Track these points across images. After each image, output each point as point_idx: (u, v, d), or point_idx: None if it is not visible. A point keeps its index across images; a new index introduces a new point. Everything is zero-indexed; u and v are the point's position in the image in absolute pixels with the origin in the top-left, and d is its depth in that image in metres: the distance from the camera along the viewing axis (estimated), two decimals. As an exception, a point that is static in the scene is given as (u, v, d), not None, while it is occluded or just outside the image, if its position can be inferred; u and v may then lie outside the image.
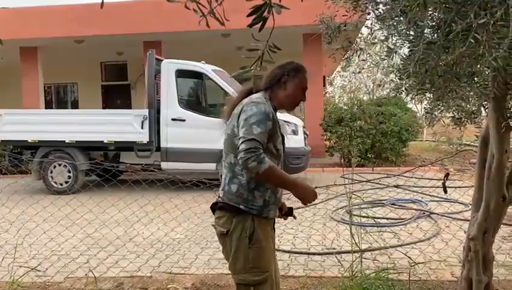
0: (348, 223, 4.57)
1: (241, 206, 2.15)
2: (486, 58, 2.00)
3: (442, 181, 3.19)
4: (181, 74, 8.38)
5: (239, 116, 2.15)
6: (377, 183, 7.45)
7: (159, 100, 8.33)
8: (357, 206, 5.87)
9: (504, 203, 2.51)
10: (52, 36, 11.89)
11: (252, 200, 2.16)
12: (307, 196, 2.17)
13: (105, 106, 15.79)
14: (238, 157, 2.05)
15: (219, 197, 2.25)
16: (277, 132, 2.22)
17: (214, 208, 2.26)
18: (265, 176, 2.07)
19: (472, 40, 1.94)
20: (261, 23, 1.25)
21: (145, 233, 4.71)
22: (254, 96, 2.23)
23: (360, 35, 3.90)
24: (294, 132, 8.32)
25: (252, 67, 1.31)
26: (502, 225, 4.73)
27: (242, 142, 2.05)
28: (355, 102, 11.61)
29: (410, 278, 3.29)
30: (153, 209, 4.76)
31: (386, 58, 2.66)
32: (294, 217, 2.48)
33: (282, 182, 2.17)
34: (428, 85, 2.62)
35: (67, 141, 8.30)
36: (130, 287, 3.71)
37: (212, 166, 7.93)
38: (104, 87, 16.48)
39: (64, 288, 3.69)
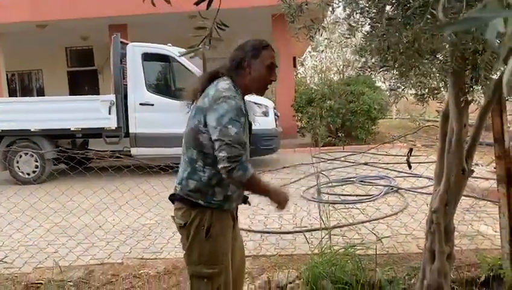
0: (317, 201, 4.63)
1: (199, 201, 2.10)
2: (443, 33, 2.04)
3: (406, 157, 3.25)
4: (147, 57, 8.21)
5: (207, 113, 2.01)
6: (346, 162, 7.57)
7: (126, 85, 8.16)
8: (327, 185, 5.94)
9: (464, 175, 2.57)
10: (12, 21, 11.42)
11: (212, 195, 2.10)
12: (284, 202, 2.14)
13: (72, 92, 15.36)
14: (220, 166, 1.94)
15: (176, 190, 2.19)
16: (246, 125, 2.12)
17: (173, 199, 2.21)
18: (249, 184, 2.03)
19: (429, 16, 1.97)
20: (207, 1, 1.22)
21: (115, 220, 4.64)
22: (221, 86, 2.06)
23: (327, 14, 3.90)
24: (265, 114, 8.32)
25: (200, 46, 1.28)
26: (464, 197, 4.89)
27: (221, 148, 1.93)
28: (326, 82, 11.66)
29: (378, 252, 3.37)
30: (121, 196, 4.70)
31: (348, 36, 2.67)
32: (249, 204, 2.41)
33: (263, 190, 2.11)
34: (391, 62, 2.65)
35: (32, 130, 8.04)
36: (101, 274, 3.67)
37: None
38: (70, 74, 16.02)
39: (33, 279, 3.62)
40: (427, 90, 3.28)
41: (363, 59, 2.63)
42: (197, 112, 2.08)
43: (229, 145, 1.93)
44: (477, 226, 4.22)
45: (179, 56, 7.82)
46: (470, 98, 2.57)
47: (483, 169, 5.84)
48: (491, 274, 3.16)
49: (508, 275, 3.05)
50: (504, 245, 3.13)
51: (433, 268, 2.54)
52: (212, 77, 2.16)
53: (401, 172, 6.66)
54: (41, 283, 3.51)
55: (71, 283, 3.49)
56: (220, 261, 2.14)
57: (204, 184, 2.09)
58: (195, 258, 2.15)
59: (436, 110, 3.09)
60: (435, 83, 2.99)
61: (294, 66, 16.79)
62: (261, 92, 2.23)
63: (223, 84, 2.08)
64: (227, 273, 2.17)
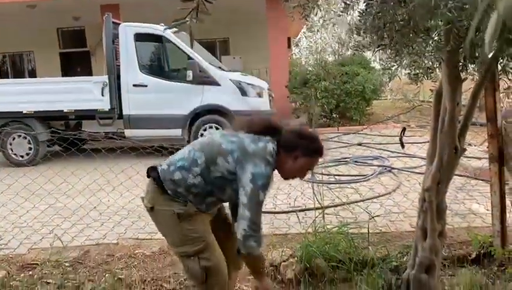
0: (311, 182, 4.66)
1: (170, 193, 2.13)
2: (440, 10, 2.02)
3: (399, 136, 3.26)
4: (140, 37, 8.12)
5: (247, 160, 2.00)
6: (340, 142, 7.59)
7: (119, 66, 8.08)
8: (321, 165, 5.96)
9: (456, 154, 2.59)
10: (2, 2, 11.21)
11: (184, 197, 2.13)
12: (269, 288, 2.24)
13: (65, 74, 15.18)
14: (241, 226, 1.99)
15: (160, 167, 2.19)
16: None
17: (151, 176, 2.21)
18: (253, 259, 2.10)
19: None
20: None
21: (109, 201, 4.65)
22: (270, 148, 2.05)
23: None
24: (260, 95, 8.28)
25: (187, 20, 1.26)
26: (456, 176, 4.93)
27: (247, 208, 1.98)
28: (320, 63, 11.61)
29: (371, 231, 3.40)
30: (115, 177, 4.68)
31: (342, 13, 2.65)
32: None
33: (259, 271, 2.19)
34: (387, 40, 2.63)
35: (25, 112, 7.98)
36: (97, 254, 3.69)
37: (177, 132, 7.85)
38: (63, 55, 15.80)
39: (28, 259, 3.63)
40: (421, 70, 3.27)
41: (358, 37, 2.61)
42: (236, 146, 2.06)
43: (256, 211, 2.00)
44: (469, 204, 4.27)
45: (164, 30, 7.74)
46: (463, 76, 2.57)
47: (476, 149, 5.88)
48: (482, 252, 3.21)
49: (499, 252, 3.10)
50: (495, 223, 3.18)
51: (425, 245, 2.57)
52: (270, 129, 2.15)
53: (395, 152, 6.69)
54: (37, 264, 3.52)
55: (67, 263, 3.50)
56: (201, 238, 2.14)
57: (186, 186, 2.11)
58: (176, 240, 2.18)
59: (430, 90, 3.09)
60: (429, 62, 2.99)
61: (289, 46, 16.67)
62: (284, 176, 2.23)
63: (272, 148, 2.07)
64: (213, 246, 2.18)
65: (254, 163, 1.99)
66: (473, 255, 3.20)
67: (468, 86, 2.78)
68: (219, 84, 7.90)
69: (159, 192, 2.15)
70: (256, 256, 2.09)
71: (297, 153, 2.13)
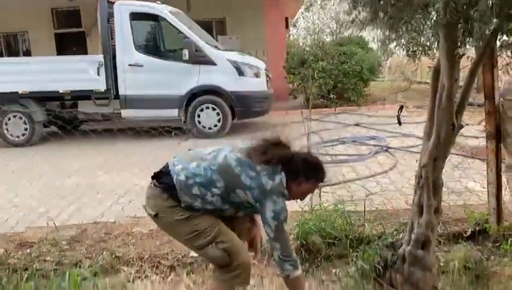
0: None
1: (183, 205, 2.15)
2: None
3: (397, 114, 3.25)
4: (135, 16, 8.00)
5: (267, 198, 2.09)
6: (338, 123, 7.58)
7: (114, 46, 7.98)
8: (319, 145, 5.97)
9: (453, 131, 2.58)
10: (-6, -20, 11.03)
11: (199, 209, 2.16)
12: None
13: (60, 55, 15.02)
14: (275, 254, 2.16)
15: (174, 175, 2.16)
16: None
17: (162, 183, 2.19)
18: (292, 282, 2.19)
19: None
20: None
21: (106, 180, 4.65)
22: (283, 181, 2.13)
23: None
24: (257, 75, 8.22)
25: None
26: (453, 155, 4.94)
27: (277, 243, 2.13)
28: (318, 43, 11.51)
29: (367, 209, 3.42)
30: (112, 156, 4.68)
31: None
32: None
33: None
34: (382, 14, 2.60)
35: (20, 92, 7.90)
36: (94, 232, 3.70)
37: (174, 112, 7.81)
38: (57, 36, 15.60)
39: (26, 237, 3.64)
40: (419, 47, 3.24)
41: (355, 12, 2.57)
42: (255, 184, 2.10)
43: (283, 241, 2.15)
44: (465, 182, 4.29)
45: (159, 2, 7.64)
46: (461, 52, 2.55)
47: (473, 128, 5.89)
48: (477, 229, 3.24)
49: (494, 229, 3.12)
50: (491, 200, 3.19)
51: (421, 221, 2.58)
52: (284, 161, 2.17)
53: (392, 132, 6.69)
54: (34, 242, 3.53)
55: (64, 242, 3.51)
56: (212, 226, 2.17)
57: (203, 202, 2.13)
58: (188, 238, 2.19)
59: (428, 66, 3.07)
60: (427, 39, 2.96)
61: (287, 27, 16.51)
62: (290, 199, 2.26)
63: (283, 182, 2.14)
64: (225, 231, 2.21)
65: (273, 201, 2.10)
66: (468, 232, 3.22)
67: (466, 63, 2.76)
68: (215, 64, 7.84)
69: (163, 198, 2.16)
70: (295, 279, 2.19)
71: (301, 179, 2.20)
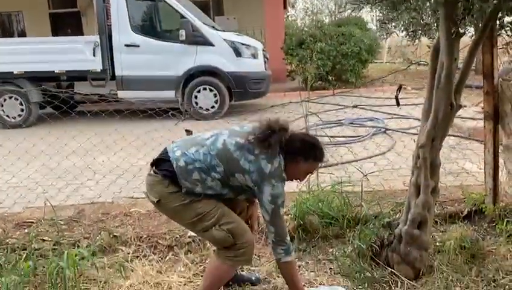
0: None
1: (184, 190, 2.15)
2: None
3: (395, 94, 3.23)
4: (131, -5, 7.90)
5: (265, 181, 2.08)
6: (336, 105, 7.55)
7: (110, 26, 7.89)
8: (316, 126, 5.95)
9: (452, 111, 2.57)
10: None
11: (200, 194, 2.16)
12: None
13: (55, 35, 14.81)
14: (270, 238, 2.20)
15: (173, 160, 2.15)
16: None
17: (160, 169, 2.19)
18: (284, 266, 2.24)
19: None
20: None
21: (104, 161, 4.64)
22: (281, 164, 2.12)
23: None
24: (254, 56, 8.16)
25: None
26: (451, 136, 4.95)
27: (272, 227, 2.15)
28: (317, 23, 11.39)
29: (364, 189, 3.42)
30: (109, 136, 4.65)
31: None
32: None
33: (295, 280, 2.29)
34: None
35: (15, 72, 7.85)
36: (92, 213, 3.71)
37: (171, 93, 7.77)
38: (53, 16, 15.40)
39: (23, 218, 3.64)
40: (418, 26, 3.20)
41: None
42: (254, 168, 2.10)
43: (279, 225, 2.16)
44: (462, 163, 4.30)
45: None
46: (461, 31, 2.52)
47: (471, 109, 5.89)
48: (473, 209, 3.25)
49: (490, 209, 3.14)
50: (487, 180, 3.20)
51: (418, 201, 2.59)
52: (282, 142, 2.15)
53: (390, 114, 6.68)
54: (32, 222, 3.54)
55: (62, 222, 3.52)
56: (215, 208, 2.18)
57: (203, 187, 2.14)
58: (191, 222, 2.19)
59: (428, 46, 3.04)
60: (427, 18, 2.93)
61: (285, 7, 16.32)
62: (289, 179, 2.25)
63: (280, 164, 2.13)
64: (228, 212, 2.22)
65: (271, 184, 2.09)
66: (465, 212, 3.24)
67: (465, 44, 2.74)
68: (213, 45, 7.77)
69: (164, 185, 2.16)
70: (286, 263, 2.23)
71: (299, 159, 2.20)
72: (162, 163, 2.21)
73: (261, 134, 2.13)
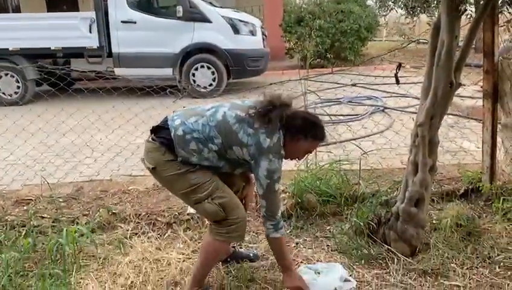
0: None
1: (179, 159, 2.14)
2: None
3: (395, 72, 3.20)
4: (128, -30, 7.75)
5: (262, 156, 2.07)
6: (335, 83, 7.51)
7: (107, 2, 7.76)
8: (315, 105, 5.93)
9: (451, 89, 2.56)
10: None
11: (195, 165, 2.16)
12: (295, 286, 2.28)
13: (51, 12, 14.60)
14: (262, 212, 2.20)
15: (172, 127, 2.15)
16: None
17: (158, 136, 2.19)
18: (274, 242, 2.25)
19: None
20: None
21: (102, 138, 4.63)
22: (281, 140, 2.11)
23: None
24: (252, 33, 8.07)
25: None
26: (450, 115, 4.94)
27: (265, 201, 2.15)
28: (315, 0, 11.22)
29: (362, 168, 3.43)
30: (106, 113, 4.62)
31: None
32: None
33: (282, 257, 2.30)
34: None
35: (11, 49, 7.75)
36: (90, 190, 3.72)
37: (168, 71, 7.72)
38: (47, -9, 15.14)
39: (22, 195, 3.65)
40: (418, 3, 3.16)
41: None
42: (252, 141, 2.09)
43: (272, 201, 2.16)
44: (460, 142, 4.31)
45: None
46: (462, 8, 2.49)
47: (470, 88, 5.86)
48: (470, 187, 3.27)
49: (486, 187, 3.16)
50: (485, 159, 3.21)
51: (416, 180, 2.60)
52: (283, 119, 2.13)
53: (389, 92, 6.65)
54: (31, 199, 3.55)
55: (60, 199, 3.53)
56: (209, 181, 2.18)
57: (200, 158, 2.14)
58: (185, 192, 2.19)
59: (428, 23, 3.00)
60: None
61: (283, -17, 16.04)
62: (285, 158, 2.23)
63: (279, 140, 2.12)
64: (222, 186, 2.22)
65: (269, 159, 2.08)
66: (461, 191, 3.26)
67: (466, 21, 2.70)
68: (210, 21, 7.67)
69: (161, 152, 2.15)
70: (274, 239, 2.23)
71: (299, 136, 2.18)
72: (161, 130, 2.21)
73: (262, 108, 2.12)
